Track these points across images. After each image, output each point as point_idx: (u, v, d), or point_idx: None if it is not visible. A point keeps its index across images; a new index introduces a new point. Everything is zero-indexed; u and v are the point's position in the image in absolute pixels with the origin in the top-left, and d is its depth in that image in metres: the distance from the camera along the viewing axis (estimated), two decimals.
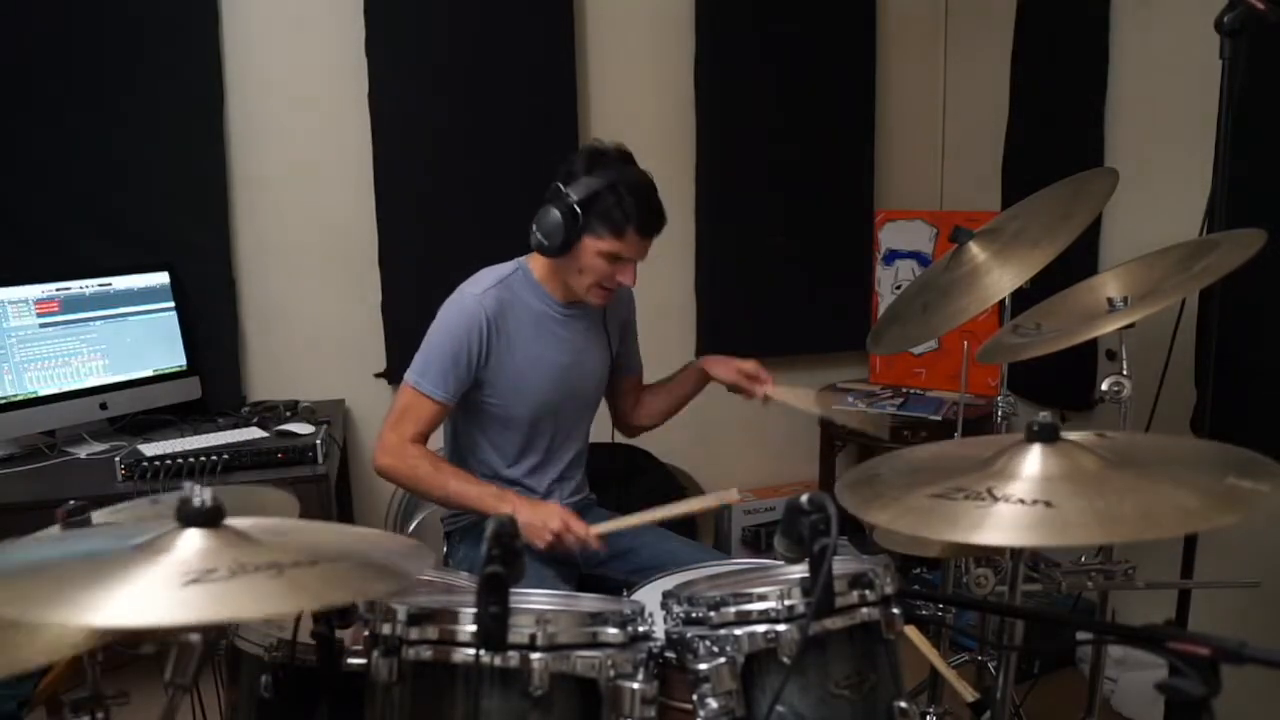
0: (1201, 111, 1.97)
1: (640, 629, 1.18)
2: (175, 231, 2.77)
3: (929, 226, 3.29)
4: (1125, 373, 1.73)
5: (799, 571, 1.15)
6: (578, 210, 1.73)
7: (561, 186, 1.76)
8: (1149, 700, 2.32)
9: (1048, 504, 1.01)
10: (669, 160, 3.06)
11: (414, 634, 1.10)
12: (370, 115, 2.87)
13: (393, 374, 2.96)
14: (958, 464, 1.16)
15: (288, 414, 2.66)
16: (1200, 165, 1.91)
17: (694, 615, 1.19)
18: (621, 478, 2.28)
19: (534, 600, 1.21)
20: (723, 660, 1.11)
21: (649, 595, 1.54)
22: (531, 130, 2.94)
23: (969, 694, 1.58)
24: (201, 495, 0.94)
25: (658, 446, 2.88)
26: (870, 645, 1.18)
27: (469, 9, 2.90)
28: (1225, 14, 1.73)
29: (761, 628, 1.14)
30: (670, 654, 1.19)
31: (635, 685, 1.10)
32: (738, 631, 1.14)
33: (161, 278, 2.72)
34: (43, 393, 2.48)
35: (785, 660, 1.12)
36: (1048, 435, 1.12)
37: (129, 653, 1.06)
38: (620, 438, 2.22)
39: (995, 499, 1.03)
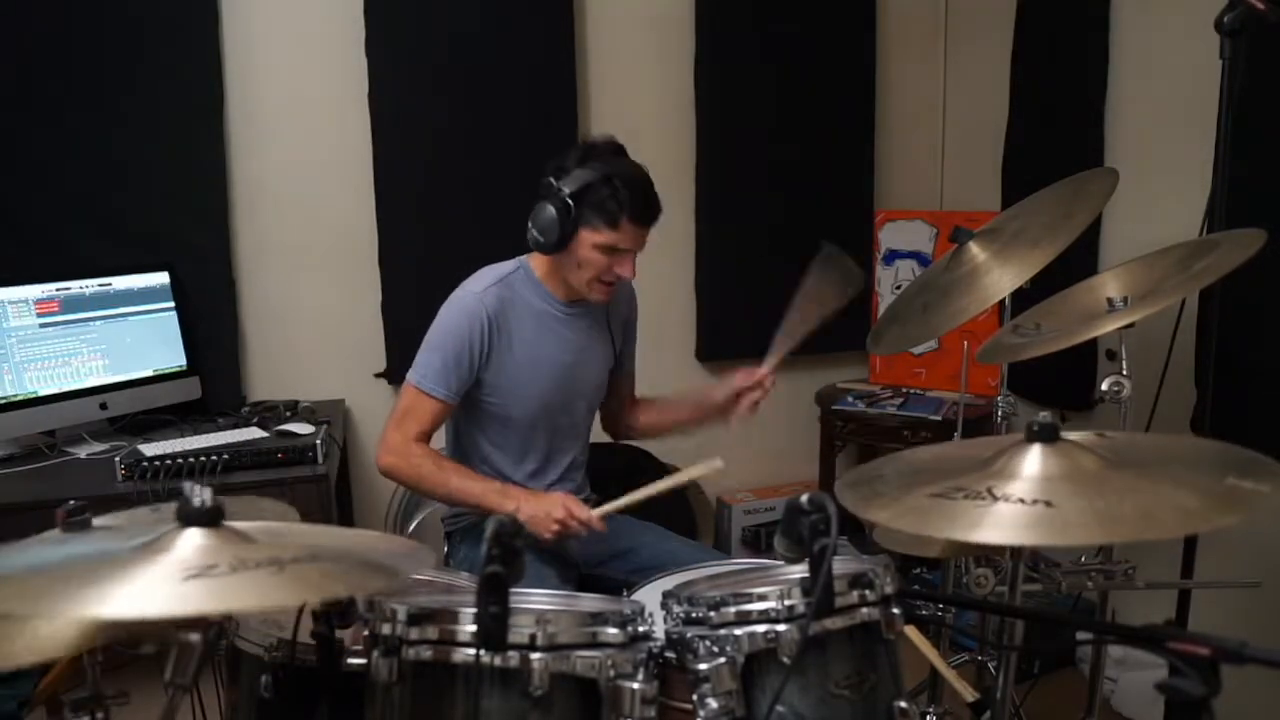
0: (1201, 111, 1.97)
1: (640, 629, 1.18)
2: (175, 231, 2.77)
3: (929, 226, 3.29)
4: (1125, 373, 1.73)
5: (799, 571, 1.15)
6: (570, 203, 1.73)
7: (553, 181, 1.76)
8: (1149, 700, 2.32)
9: (1048, 504, 1.01)
10: (669, 160, 3.06)
11: (414, 634, 1.10)
12: (370, 115, 2.87)
13: (393, 374, 2.96)
14: (958, 464, 1.16)
15: (288, 414, 2.66)
16: (1200, 165, 1.91)
17: (694, 615, 1.19)
18: (622, 478, 2.27)
19: (534, 600, 1.21)
20: (723, 660, 1.11)
21: (649, 595, 1.54)
22: (531, 130, 2.94)
23: (969, 694, 1.58)
24: (201, 495, 0.94)
25: (658, 446, 2.88)
26: (870, 645, 1.18)
27: (469, 9, 2.90)
28: (1225, 14, 1.73)
29: (761, 628, 1.14)
30: (670, 654, 1.19)
31: (635, 685, 1.10)
32: (738, 631, 1.14)
33: (161, 278, 2.72)
34: (43, 393, 2.48)
35: (785, 660, 1.12)
36: (1048, 435, 1.11)
37: (129, 653, 1.06)
38: None
39: (995, 498, 1.03)
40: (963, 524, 1.01)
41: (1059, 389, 2.66)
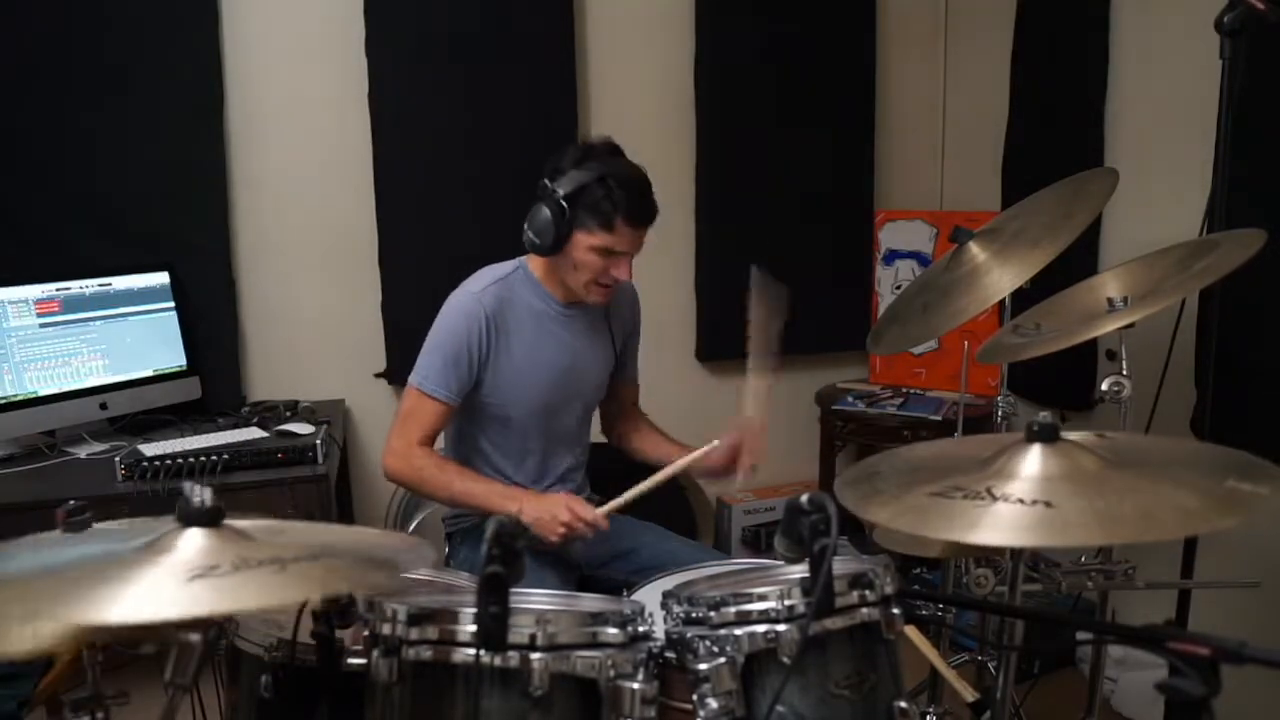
0: (1201, 111, 1.97)
1: (640, 629, 1.18)
2: (175, 231, 2.77)
3: (929, 226, 3.29)
4: (1125, 373, 1.73)
5: (799, 571, 1.14)
6: (564, 205, 1.73)
7: (548, 183, 1.75)
8: (1149, 700, 2.32)
9: (1047, 504, 1.01)
10: (669, 160, 3.06)
11: (414, 634, 1.10)
12: (370, 115, 2.87)
13: (393, 374, 2.96)
14: (957, 463, 1.16)
15: (288, 414, 2.66)
16: (1200, 165, 1.91)
17: (694, 615, 1.19)
18: (622, 478, 2.27)
19: (534, 600, 1.21)
20: (723, 660, 1.11)
21: (649, 595, 1.54)
22: (531, 130, 2.94)
23: (969, 694, 1.58)
24: (201, 495, 0.94)
25: None
26: (870, 645, 1.18)
27: (469, 9, 2.90)
28: (1225, 14, 1.73)
29: (761, 628, 1.13)
30: (670, 654, 1.19)
31: (635, 685, 1.09)
32: (738, 631, 1.13)
33: (161, 278, 2.72)
34: (43, 393, 2.48)
35: (785, 660, 1.12)
36: (1048, 435, 1.11)
37: (129, 653, 1.06)
38: None
39: (995, 498, 1.03)
40: (963, 524, 1.01)
41: (1059, 389, 2.66)
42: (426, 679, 1.11)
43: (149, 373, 2.68)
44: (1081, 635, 2.06)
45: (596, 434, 2.12)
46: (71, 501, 1.06)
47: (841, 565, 1.19)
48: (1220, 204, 1.82)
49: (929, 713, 1.81)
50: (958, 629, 2.28)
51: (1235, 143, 1.81)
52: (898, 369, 3.30)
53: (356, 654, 1.17)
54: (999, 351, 1.85)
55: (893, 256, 3.35)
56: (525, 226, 1.78)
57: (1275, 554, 2.04)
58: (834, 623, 1.14)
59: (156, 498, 2.14)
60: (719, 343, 3.32)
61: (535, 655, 1.07)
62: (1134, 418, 1.78)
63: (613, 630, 1.13)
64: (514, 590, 0.98)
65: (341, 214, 2.93)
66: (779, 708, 1.12)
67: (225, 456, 2.28)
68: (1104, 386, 1.73)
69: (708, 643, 1.14)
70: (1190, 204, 2.00)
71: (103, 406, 2.58)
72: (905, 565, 2.20)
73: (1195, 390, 2.02)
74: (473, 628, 1.07)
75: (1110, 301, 1.73)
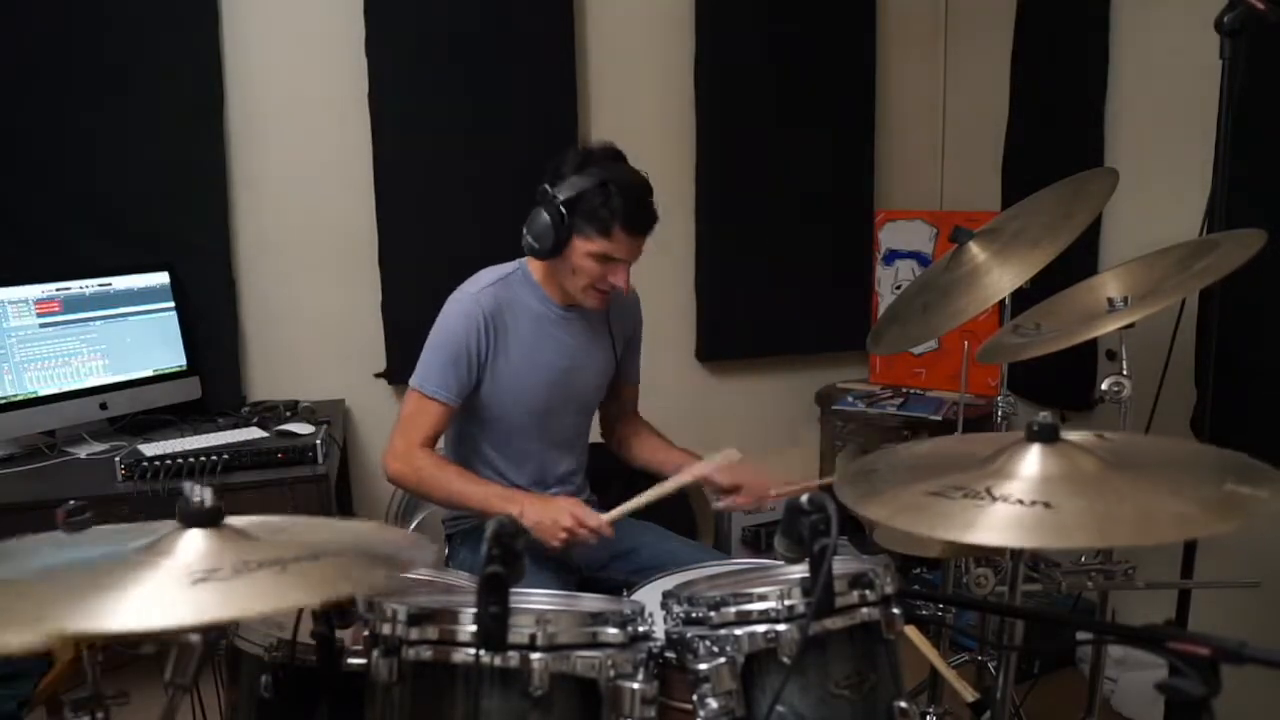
0: (1201, 111, 1.97)
1: (640, 629, 1.18)
2: (175, 231, 2.77)
3: (929, 226, 3.29)
4: (1125, 373, 1.73)
5: (799, 571, 1.15)
6: (563, 211, 1.72)
7: (548, 188, 1.75)
8: (1149, 700, 2.32)
9: (1046, 505, 1.01)
10: (669, 160, 3.06)
11: (414, 634, 1.10)
12: (370, 115, 2.87)
13: (393, 374, 2.96)
14: (956, 461, 1.16)
15: (288, 414, 2.66)
16: (1200, 165, 1.91)
17: (694, 615, 1.19)
18: (622, 478, 2.27)
19: (534, 600, 1.21)
20: (723, 660, 1.11)
21: (649, 595, 1.54)
22: (531, 130, 2.94)
23: (969, 694, 1.58)
24: (202, 495, 0.94)
25: None
26: (870, 645, 1.18)
27: (469, 9, 2.90)
28: (1225, 14, 1.73)
29: (761, 628, 1.13)
30: (670, 654, 1.19)
31: (635, 685, 1.10)
32: (738, 631, 1.13)
33: (161, 278, 2.72)
34: (43, 393, 2.48)
35: (785, 660, 1.12)
36: (1048, 435, 1.11)
37: (129, 653, 1.06)
38: None
39: (994, 498, 1.03)
40: (963, 524, 1.01)
41: (1059, 389, 2.66)
42: (426, 679, 1.11)
43: (149, 373, 2.68)
44: (1081, 635, 2.06)
45: (596, 434, 2.12)
46: (71, 501, 1.06)
47: (841, 565, 1.19)
48: (1220, 204, 1.82)
49: (929, 713, 1.81)
50: (958, 629, 2.28)
51: (1235, 143, 1.81)
52: (898, 369, 3.30)
53: (356, 654, 1.17)
54: (999, 351, 1.85)
55: (893, 256, 3.35)
56: (524, 230, 1.78)
57: (1275, 554, 2.04)
58: (834, 623, 1.14)
59: (156, 498, 2.14)
60: (719, 343, 3.32)
61: (535, 655, 1.07)
62: (1134, 418, 1.78)
63: (613, 630, 1.13)
64: (514, 590, 0.98)
65: (341, 214, 2.93)
66: (779, 708, 1.12)
67: (225, 456, 2.28)
68: (1104, 386, 1.73)
69: (708, 643, 1.14)
70: (1190, 204, 2.00)
71: (103, 406, 2.58)
72: (905, 565, 2.20)
73: (1195, 390, 2.02)
74: (473, 628, 1.07)
75: (1110, 301, 1.73)
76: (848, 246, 3.37)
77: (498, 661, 1.07)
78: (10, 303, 2.44)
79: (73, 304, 2.55)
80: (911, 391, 3.22)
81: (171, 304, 2.73)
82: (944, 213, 3.35)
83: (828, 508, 1.04)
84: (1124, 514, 0.99)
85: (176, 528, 0.94)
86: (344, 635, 1.18)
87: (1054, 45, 2.85)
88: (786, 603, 1.14)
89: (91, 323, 2.58)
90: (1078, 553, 1.71)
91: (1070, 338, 1.68)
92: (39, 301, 2.49)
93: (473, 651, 1.08)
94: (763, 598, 1.15)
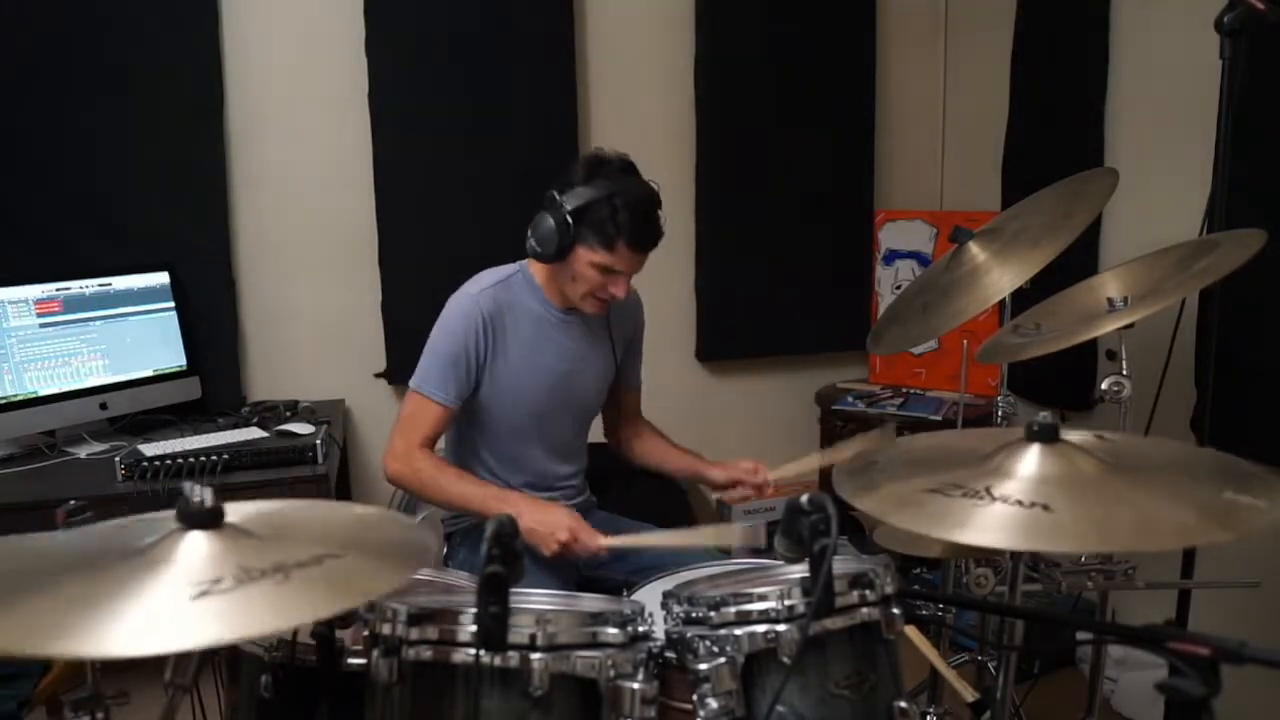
0: (1201, 111, 1.97)
1: (640, 629, 1.18)
2: (175, 231, 2.77)
3: (929, 226, 3.29)
4: (1125, 373, 1.73)
5: (799, 571, 1.15)
6: (569, 220, 1.72)
7: (557, 195, 1.75)
8: (1149, 700, 2.32)
9: (1045, 507, 1.00)
10: (669, 160, 3.06)
11: (414, 634, 1.10)
12: (370, 115, 2.87)
13: (393, 374, 2.96)
14: (956, 457, 1.15)
15: (288, 414, 2.67)
16: (1200, 165, 1.91)
17: (694, 615, 1.19)
18: (622, 478, 2.27)
19: (534, 600, 1.21)
20: (723, 660, 1.11)
21: (649, 595, 1.54)
22: (531, 130, 2.94)
23: (969, 694, 1.58)
24: (202, 495, 0.94)
25: None
26: (870, 645, 1.18)
27: (469, 9, 2.90)
28: (1225, 14, 1.73)
29: (761, 628, 1.13)
30: (670, 654, 1.19)
31: (635, 685, 1.09)
32: (738, 631, 1.13)
33: (161, 278, 2.72)
34: (43, 393, 2.48)
35: (785, 660, 1.12)
36: (1048, 436, 1.11)
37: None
38: None
39: (993, 498, 1.03)
40: (962, 524, 1.01)
41: (1059, 389, 2.66)
42: (426, 679, 1.11)
43: (149, 373, 2.68)
44: (1081, 635, 2.06)
45: (597, 434, 2.12)
46: (71, 501, 1.06)
47: (841, 565, 1.18)
48: (1220, 204, 1.82)
49: (929, 713, 1.81)
50: (958, 629, 2.28)
51: (1235, 143, 1.81)
52: (898, 369, 3.30)
53: (356, 654, 1.17)
54: (999, 351, 1.85)
55: (893, 256, 3.35)
56: (529, 233, 1.78)
57: (1275, 554, 2.04)
58: (834, 623, 1.14)
59: (156, 498, 2.14)
60: (719, 343, 3.32)
61: (535, 655, 1.07)
62: (1134, 418, 1.78)
63: (613, 630, 1.13)
64: (514, 590, 0.98)
65: (341, 214, 2.93)
66: (779, 708, 1.12)
67: (225, 456, 2.28)
68: (1104, 386, 1.73)
69: (708, 643, 1.14)
70: (1190, 204, 2.00)
71: (103, 406, 2.58)
72: (905, 565, 2.21)
73: (1195, 390, 2.02)
74: (473, 628, 1.07)
75: (1110, 301, 1.73)
76: (848, 246, 3.37)
77: (498, 661, 1.07)
78: (10, 303, 2.44)
79: (73, 304, 2.55)
80: (911, 391, 3.22)
81: (171, 304, 2.73)
82: (944, 213, 3.35)
83: (828, 508, 1.04)
84: (1123, 520, 0.99)
85: (177, 528, 0.93)
86: (344, 635, 1.18)
87: (1054, 45, 2.85)
88: (786, 603, 1.14)
89: (91, 323, 2.58)
90: (1077, 554, 1.71)
91: (1070, 338, 1.68)
92: (39, 301, 2.49)
93: (473, 651, 1.08)
94: (763, 598, 1.15)
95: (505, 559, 0.96)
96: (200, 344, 2.79)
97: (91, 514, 1.06)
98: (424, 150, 2.91)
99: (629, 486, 2.32)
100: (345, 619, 1.15)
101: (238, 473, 2.29)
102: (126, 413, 2.64)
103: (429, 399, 1.81)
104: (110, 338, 2.61)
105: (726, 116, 3.18)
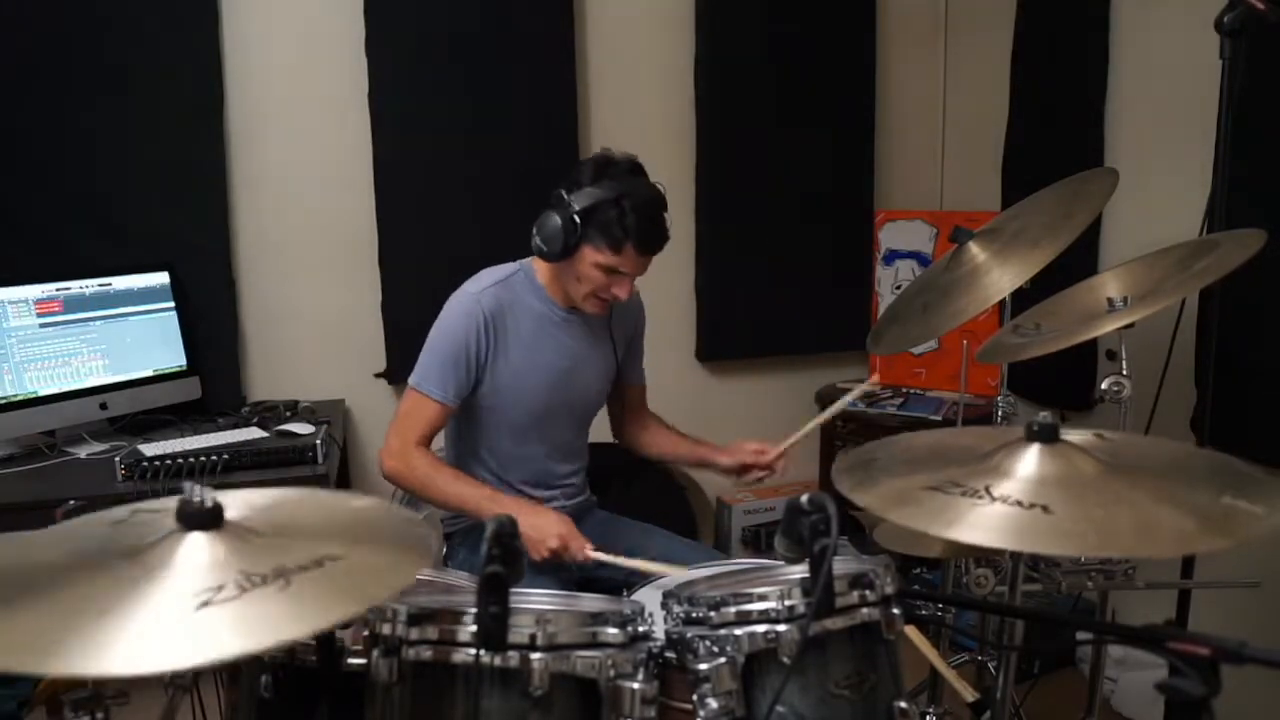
0: (1201, 111, 1.97)
1: (640, 629, 1.18)
2: (175, 231, 2.77)
3: (929, 226, 3.29)
4: (1125, 373, 1.73)
5: (799, 571, 1.14)
6: (577, 220, 1.72)
7: (565, 194, 1.75)
8: (1149, 700, 2.33)
9: (1045, 509, 1.00)
10: (669, 160, 3.06)
11: (414, 634, 1.10)
12: (370, 115, 2.87)
13: (393, 374, 2.96)
14: (956, 455, 1.15)
15: (288, 414, 2.66)
16: (1200, 165, 1.91)
17: (694, 615, 1.19)
18: (622, 477, 2.28)
19: (534, 600, 1.21)
20: (723, 660, 1.11)
21: (649, 595, 1.54)
22: (531, 130, 2.94)
23: (969, 694, 1.58)
24: (202, 495, 0.93)
25: None
26: (870, 645, 1.18)
27: (469, 9, 2.90)
28: (1225, 14, 1.73)
29: (761, 628, 1.13)
30: (670, 654, 1.19)
31: (635, 685, 1.09)
32: (738, 631, 1.13)
33: (161, 278, 2.72)
34: (43, 393, 2.48)
35: (785, 660, 1.12)
36: (1048, 436, 1.11)
37: None
38: None
39: (993, 498, 1.03)
40: (961, 523, 1.01)
41: (1059, 389, 2.66)
42: (426, 679, 1.11)
43: (149, 373, 2.68)
44: (1081, 635, 2.06)
45: (597, 434, 2.12)
46: (71, 501, 1.06)
47: (841, 565, 1.19)
48: (1220, 204, 1.82)
49: (929, 713, 1.81)
50: (958, 629, 2.28)
51: (1235, 143, 1.82)
52: (898, 369, 3.30)
53: (356, 654, 1.17)
54: (999, 351, 1.85)
55: (893, 256, 3.35)
56: (534, 231, 1.78)
57: (1275, 554, 2.04)
58: (834, 623, 1.14)
59: (156, 498, 2.14)
60: (719, 343, 3.32)
61: (535, 655, 1.07)
62: (1134, 418, 1.78)
63: (613, 630, 1.13)
64: (514, 590, 0.98)
65: (341, 214, 2.93)
66: (779, 708, 1.12)
67: (225, 456, 2.28)
68: (1104, 386, 1.73)
69: (708, 643, 1.14)
70: (1190, 204, 2.00)
71: (103, 406, 2.58)
72: (905, 565, 2.20)
73: (1195, 390, 2.02)
74: (473, 628, 1.07)
75: (1110, 301, 1.73)
76: (848, 246, 3.37)
77: (498, 661, 1.07)
78: (10, 303, 2.44)
79: (73, 304, 2.55)
80: (911, 391, 3.22)
81: (171, 304, 2.73)
82: (944, 213, 3.36)
83: (828, 508, 1.03)
84: (1122, 523, 0.99)
85: (176, 529, 0.93)
86: (344, 635, 1.18)
87: (1054, 45, 2.85)
88: (786, 603, 1.14)
89: (91, 323, 2.58)
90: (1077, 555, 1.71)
91: (1070, 338, 1.68)
92: (39, 301, 2.49)
93: (473, 651, 1.08)
94: (763, 598, 1.15)
95: (505, 559, 0.96)
96: (200, 344, 2.79)
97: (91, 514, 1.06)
98: (424, 150, 2.91)
99: (629, 486, 2.33)
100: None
101: (238, 473, 2.28)
102: (126, 413, 2.64)
103: (427, 397, 1.81)
104: (110, 338, 2.61)
105: (726, 116, 3.18)
